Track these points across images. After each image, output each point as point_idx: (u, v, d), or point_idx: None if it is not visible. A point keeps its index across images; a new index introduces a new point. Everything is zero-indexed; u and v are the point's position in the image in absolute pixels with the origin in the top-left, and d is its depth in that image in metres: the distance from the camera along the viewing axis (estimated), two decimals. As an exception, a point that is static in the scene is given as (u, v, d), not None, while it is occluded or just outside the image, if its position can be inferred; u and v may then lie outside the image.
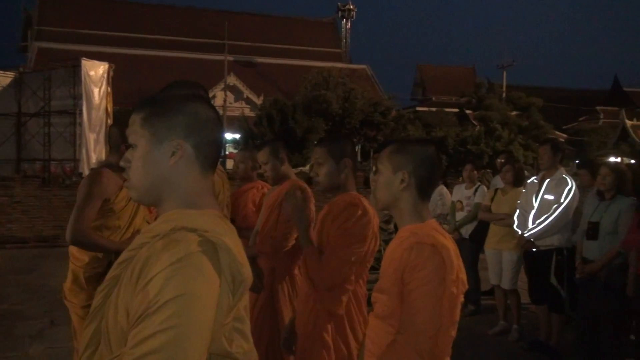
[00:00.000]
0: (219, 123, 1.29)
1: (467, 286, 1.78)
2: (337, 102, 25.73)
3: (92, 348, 1.18)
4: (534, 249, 4.87)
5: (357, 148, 28.23)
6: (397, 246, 1.79)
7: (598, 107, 42.03)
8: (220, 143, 1.30)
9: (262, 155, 3.43)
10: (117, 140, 2.90)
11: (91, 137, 12.40)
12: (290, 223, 3.17)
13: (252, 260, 3.33)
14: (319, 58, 41.06)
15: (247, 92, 36.65)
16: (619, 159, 25.70)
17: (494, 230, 5.54)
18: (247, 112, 32.05)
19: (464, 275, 1.76)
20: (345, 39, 47.66)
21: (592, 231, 4.37)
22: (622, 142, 33.55)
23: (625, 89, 44.58)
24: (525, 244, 4.93)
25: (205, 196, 1.25)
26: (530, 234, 4.82)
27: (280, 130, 23.18)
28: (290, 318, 2.74)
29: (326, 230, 2.47)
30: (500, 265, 5.44)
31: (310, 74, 28.37)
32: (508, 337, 5.28)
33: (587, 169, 5.38)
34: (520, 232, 4.97)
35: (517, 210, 5.12)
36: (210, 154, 1.26)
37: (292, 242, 3.18)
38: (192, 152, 1.22)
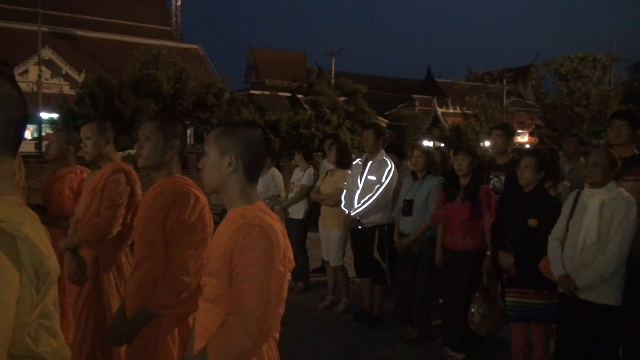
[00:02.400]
0: (20, 101, 1.15)
1: (294, 264, 1.84)
2: (167, 82, 24.74)
3: None
4: (359, 227, 5.20)
5: (190, 130, 27.52)
6: (225, 228, 1.79)
7: (414, 95, 46.13)
8: (22, 123, 1.15)
9: (86, 130, 3.15)
10: None
11: None
12: (115, 209, 2.99)
13: (74, 250, 3.09)
14: (147, 35, 38.89)
15: (65, 68, 33.46)
16: (431, 143, 28.57)
17: (323, 209, 5.82)
18: (67, 89, 29.29)
19: (291, 254, 1.82)
20: (176, 17, 45.82)
21: (407, 208, 4.81)
22: (434, 128, 37.30)
23: (436, 79, 49.43)
24: (351, 222, 5.24)
25: (1, 182, 1.10)
26: (355, 213, 5.14)
27: (105, 111, 21.61)
28: (118, 307, 2.58)
29: (156, 220, 2.33)
30: (329, 242, 5.73)
31: (138, 52, 26.83)
32: (335, 310, 5.60)
33: (393, 152, 5.87)
34: (347, 211, 5.26)
35: (344, 191, 5.42)
36: (8, 135, 1.12)
37: (116, 228, 2.99)
38: None
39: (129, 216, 3.07)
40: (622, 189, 3.36)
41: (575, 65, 29.98)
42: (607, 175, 3.32)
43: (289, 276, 1.82)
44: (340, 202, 5.43)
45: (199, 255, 2.28)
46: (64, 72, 33.40)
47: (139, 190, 3.13)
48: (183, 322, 2.32)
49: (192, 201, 2.30)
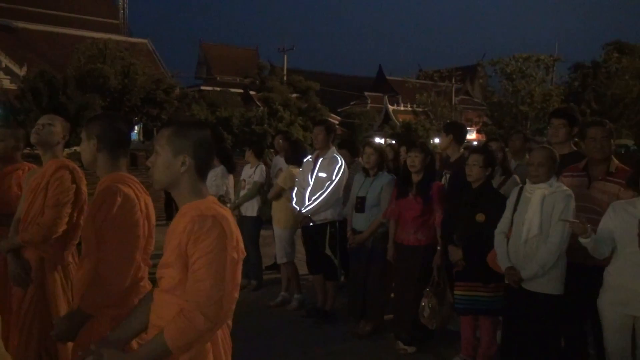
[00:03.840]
0: None
1: (245, 253, 1.93)
2: (115, 77, 24.03)
3: None
4: (311, 224, 5.21)
5: (139, 127, 26.87)
6: (179, 221, 1.87)
7: (366, 93, 46.59)
8: None
9: (50, 118, 3.14)
10: None
11: None
12: (60, 207, 2.91)
13: (16, 251, 2.98)
14: (93, 28, 37.65)
15: (6, 61, 31.94)
16: (382, 140, 28.93)
17: (272, 207, 5.87)
18: (7, 84, 28.05)
19: (242, 244, 1.91)
20: (123, 10, 44.54)
21: (360, 205, 4.85)
22: (385, 125, 37.79)
23: (387, 77, 50.05)
24: (302, 219, 5.26)
25: None
26: (307, 210, 5.15)
27: (49, 106, 20.79)
28: (69, 310, 2.54)
29: (89, 219, 2.36)
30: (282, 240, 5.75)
31: (83, 45, 25.97)
32: (288, 307, 5.60)
33: (346, 148, 5.92)
34: (298, 208, 5.27)
35: (296, 188, 5.43)
36: None
37: (62, 227, 2.91)
38: None
39: (75, 215, 2.99)
40: (562, 184, 3.53)
41: (520, 65, 30.98)
42: (550, 172, 3.48)
43: (240, 264, 1.90)
44: (278, 196, 5.61)
45: (129, 255, 2.28)
46: (3, 66, 31.90)
47: (84, 188, 3.06)
48: (118, 323, 2.30)
49: (119, 199, 2.30)
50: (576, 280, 3.50)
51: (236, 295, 1.87)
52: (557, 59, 32.57)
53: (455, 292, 4.12)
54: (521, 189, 3.65)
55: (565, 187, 3.48)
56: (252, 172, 6.34)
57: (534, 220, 3.45)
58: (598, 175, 3.62)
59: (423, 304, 4.25)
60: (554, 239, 3.38)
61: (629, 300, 3.07)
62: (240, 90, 35.46)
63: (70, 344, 2.45)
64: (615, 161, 3.66)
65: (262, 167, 6.38)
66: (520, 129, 27.61)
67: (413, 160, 4.44)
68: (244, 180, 6.43)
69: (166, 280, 1.88)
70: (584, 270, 3.47)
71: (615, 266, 3.17)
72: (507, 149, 5.46)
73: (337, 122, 33.60)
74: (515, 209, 3.61)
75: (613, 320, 3.16)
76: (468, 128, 37.61)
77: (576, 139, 4.27)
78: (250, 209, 6.28)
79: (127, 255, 2.28)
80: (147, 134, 26.95)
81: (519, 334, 3.57)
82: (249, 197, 6.26)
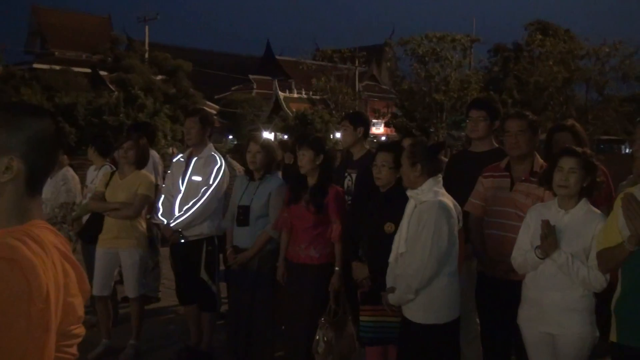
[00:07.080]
0: None
1: (80, 314, 1.61)
2: None
3: None
4: (182, 241, 5.10)
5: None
6: None
7: (251, 76, 46.71)
8: None
9: None
10: None
11: None
12: None
13: None
14: None
15: None
16: (272, 134, 29.10)
17: (109, 223, 5.29)
18: None
19: (76, 299, 1.59)
20: None
21: (243, 216, 4.80)
22: (275, 116, 38.06)
23: (277, 57, 50.49)
24: (171, 235, 5.12)
25: None
26: (176, 224, 5.03)
27: None
28: None
29: None
30: (115, 268, 5.39)
31: None
32: (120, 357, 5.19)
33: (237, 154, 5.91)
34: (165, 221, 5.13)
35: (163, 196, 5.29)
36: None
37: None
38: None
39: None
40: (440, 191, 3.56)
41: (434, 45, 32.47)
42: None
43: (78, 330, 1.60)
44: (138, 214, 5.25)
45: None
46: None
47: None
48: None
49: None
50: (498, 296, 3.72)
51: None
52: (475, 39, 34.51)
53: (361, 318, 4.19)
54: None
55: (432, 198, 3.50)
56: (94, 176, 6.06)
57: (402, 235, 3.58)
58: (521, 176, 3.84)
59: (317, 337, 4.29)
60: (416, 257, 3.45)
61: (541, 316, 3.31)
62: (88, 70, 34.26)
63: None
64: (540, 159, 3.91)
65: (107, 168, 6.09)
66: (434, 121, 28.99)
67: (300, 159, 4.47)
68: (86, 186, 6.17)
69: None
70: (505, 285, 3.69)
71: (530, 277, 3.39)
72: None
73: (214, 112, 33.33)
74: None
75: (531, 337, 3.41)
76: (375, 120, 38.66)
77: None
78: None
79: None
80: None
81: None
82: (90, 207, 5.93)
